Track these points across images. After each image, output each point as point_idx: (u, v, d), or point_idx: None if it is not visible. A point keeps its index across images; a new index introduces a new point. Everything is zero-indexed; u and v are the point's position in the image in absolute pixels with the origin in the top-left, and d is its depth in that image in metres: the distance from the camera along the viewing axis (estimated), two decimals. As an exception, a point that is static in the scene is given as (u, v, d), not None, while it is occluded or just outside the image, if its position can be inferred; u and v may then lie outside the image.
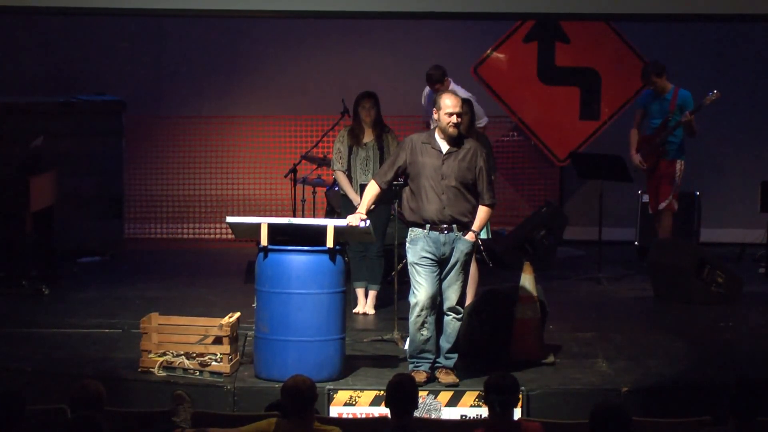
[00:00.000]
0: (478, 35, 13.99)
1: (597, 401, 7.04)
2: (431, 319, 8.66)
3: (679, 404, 8.48)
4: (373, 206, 8.91)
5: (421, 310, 8.61)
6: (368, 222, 8.72)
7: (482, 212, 8.72)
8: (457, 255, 8.63)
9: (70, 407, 7.05)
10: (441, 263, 8.65)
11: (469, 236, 8.66)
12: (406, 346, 9.06)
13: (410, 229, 8.74)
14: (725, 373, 8.98)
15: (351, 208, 10.07)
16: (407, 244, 8.73)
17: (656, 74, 12.29)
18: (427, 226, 8.63)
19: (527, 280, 9.36)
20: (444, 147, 8.67)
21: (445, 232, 8.61)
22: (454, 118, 8.59)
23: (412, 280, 8.69)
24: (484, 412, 8.45)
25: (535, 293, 9.35)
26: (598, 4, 10.64)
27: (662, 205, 12.31)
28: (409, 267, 8.73)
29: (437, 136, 8.71)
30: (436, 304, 8.66)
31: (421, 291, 8.61)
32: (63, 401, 7.31)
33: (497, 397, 6.87)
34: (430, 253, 8.61)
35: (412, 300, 8.67)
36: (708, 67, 14.22)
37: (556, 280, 12.16)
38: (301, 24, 13.85)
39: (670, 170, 12.26)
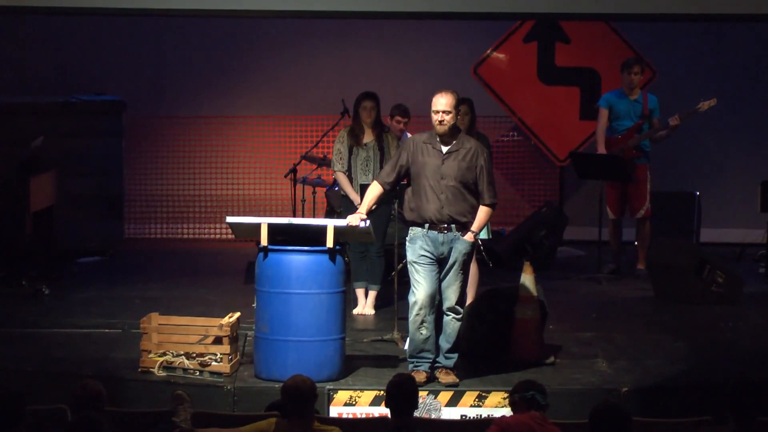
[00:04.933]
0: (478, 35, 14.00)
1: (597, 401, 7.03)
2: (430, 318, 8.66)
3: (679, 404, 8.47)
4: (374, 207, 8.91)
5: (420, 309, 8.62)
6: (368, 222, 8.72)
7: (482, 212, 8.72)
8: (456, 255, 8.63)
9: (70, 407, 7.06)
10: (440, 262, 8.65)
11: (468, 236, 8.66)
12: (406, 346, 9.06)
13: (410, 228, 8.74)
14: (725, 373, 8.98)
15: (351, 209, 10.07)
16: (407, 243, 8.74)
17: (641, 69, 12.29)
18: (426, 225, 8.63)
19: (527, 280, 9.36)
20: (444, 147, 8.68)
21: (444, 231, 8.62)
22: (439, 116, 8.62)
23: (411, 279, 8.69)
24: (484, 412, 8.47)
25: (535, 293, 9.35)
26: (598, 4, 10.63)
27: (641, 213, 12.30)
28: (408, 266, 8.74)
29: (437, 137, 8.72)
30: (434, 303, 8.66)
31: (419, 290, 8.62)
32: (63, 401, 7.31)
33: (540, 394, 6.89)
34: (428, 252, 8.61)
35: (411, 299, 8.67)
36: (707, 66, 14.23)
37: (556, 280, 12.16)
38: (301, 24, 13.85)
39: (645, 176, 12.25)
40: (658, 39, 14.04)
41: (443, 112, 8.62)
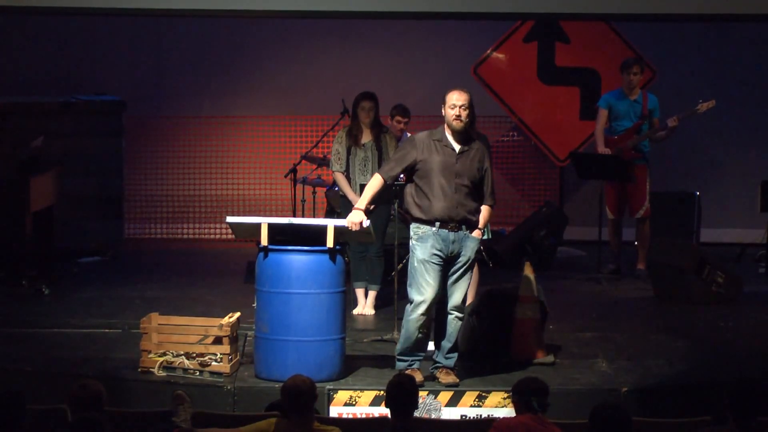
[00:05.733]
0: (478, 35, 14.00)
1: (597, 401, 7.03)
2: (430, 318, 8.65)
3: (679, 404, 8.47)
4: (372, 206, 8.89)
5: (426, 310, 8.56)
6: (368, 222, 8.70)
7: (485, 211, 8.71)
8: (468, 253, 8.60)
9: (70, 407, 7.06)
10: (447, 261, 8.62)
11: (476, 233, 8.63)
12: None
13: (415, 225, 8.63)
14: (725, 373, 8.98)
15: (350, 209, 10.04)
16: (414, 242, 8.61)
17: (640, 69, 12.29)
18: (437, 224, 8.60)
19: (527, 280, 9.35)
20: (456, 145, 8.64)
21: (455, 230, 8.57)
22: (456, 111, 8.55)
23: (419, 279, 8.55)
24: (484, 412, 8.47)
25: (535, 293, 9.35)
26: (598, 4, 10.64)
27: (640, 213, 12.30)
28: (416, 264, 8.59)
29: (447, 134, 8.67)
30: (435, 302, 8.64)
31: (428, 290, 8.54)
32: (63, 401, 7.31)
33: (537, 398, 6.88)
34: (440, 251, 8.55)
35: (417, 298, 8.55)
36: (707, 66, 14.23)
37: (556, 280, 12.16)
38: (301, 24, 13.85)
39: (643, 176, 12.26)
40: (658, 39, 14.04)
41: (461, 107, 8.54)
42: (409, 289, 8.69)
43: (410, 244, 8.69)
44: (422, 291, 8.57)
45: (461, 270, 8.63)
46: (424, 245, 8.58)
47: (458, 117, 8.54)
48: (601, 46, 13.94)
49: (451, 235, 8.57)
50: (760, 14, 10.62)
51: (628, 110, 12.27)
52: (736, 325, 10.58)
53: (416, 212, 8.64)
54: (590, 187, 13.35)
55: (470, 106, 8.58)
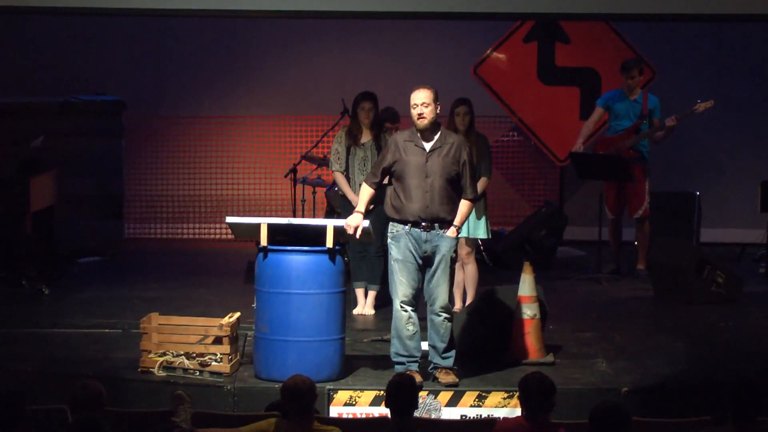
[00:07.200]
0: (478, 35, 13.99)
1: (597, 401, 7.03)
2: (414, 315, 8.67)
3: (679, 404, 8.48)
4: (371, 206, 8.91)
5: (405, 305, 8.61)
6: (367, 222, 8.71)
7: (464, 206, 8.71)
8: (443, 253, 8.62)
9: (70, 407, 7.06)
10: (423, 261, 8.64)
11: (451, 232, 8.63)
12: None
13: (391, 225, 8.71)
14: (725, 373, 8.98)
15: (350, 209, 10.05)
16: (390, 241, 8.71)
17: (639, 72, 12.29)
18: (408, 224, 8.62)
19: (527, 280, 9.35)
20: (427, 144, 8.67)
21: (428, 230, 8.60)
22: (418, 109, 8.62)
23: (395, 278, 8.64)
24: (484, 412, 8.47)
25: (535, 293, 9.35)
26: (598, 4, 10.64)
27: (639, 213, 12.30)
28: (392, 263, 8.69)
29: (418, 134, 8.71)
30: (416, 300, 8.66)
31: (402, 287, 8.60)
32: (63, 401, 7.31)
33: (541, 401, 6.86)
34: (413, 250, 8.60)
35: (394, 296, 8.64)
36: (708, 66, 14.23)
37: (556, 280, 12.16)
38: (301, 24, 13.85)
39: (642, 176, 12.26)
40: (658, 39, 14.04)
41: (422, 105, 8.62)
42: (390, 288, 8.76)
43: (387, 243, 8.74)
44: (398, 289, 8.63)
45: (439, 270, 8.64)
46: (398, 245, 8.65)
47: (421, 115, 8.62)
48: (601, 46, 13.93)
49: (424, 235, 8.60)
50: (760, 14, 10.62)
51: (627, 110, 12.27)
52: (736, 325, 10.58)
53: (391, 213, 8.72)
54: (590, 187, 13.35)
55: (433, 102, 8.64)
